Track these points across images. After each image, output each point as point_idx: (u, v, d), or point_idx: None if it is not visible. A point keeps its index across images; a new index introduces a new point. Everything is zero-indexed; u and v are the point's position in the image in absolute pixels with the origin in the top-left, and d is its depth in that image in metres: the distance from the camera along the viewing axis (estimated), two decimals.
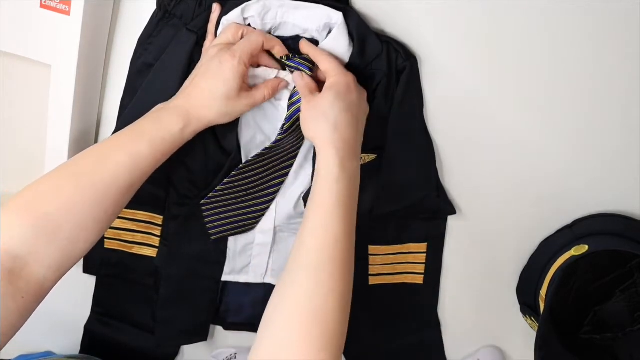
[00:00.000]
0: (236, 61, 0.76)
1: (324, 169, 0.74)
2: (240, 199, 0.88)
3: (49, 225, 0.68)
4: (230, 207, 0.89)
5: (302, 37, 0.83)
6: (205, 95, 0.77)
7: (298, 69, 0.81)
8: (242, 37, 0.81)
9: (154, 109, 0.78)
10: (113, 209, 0.73)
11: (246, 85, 0.80)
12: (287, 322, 0.67)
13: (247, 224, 0.90)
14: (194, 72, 0.80)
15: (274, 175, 0.88)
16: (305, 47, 0.82)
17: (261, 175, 0.87)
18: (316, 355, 0.65)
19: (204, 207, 0.88)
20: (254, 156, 0.85)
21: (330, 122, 0.75)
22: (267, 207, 0.90)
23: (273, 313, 0.69)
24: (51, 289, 0.70)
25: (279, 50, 0.81)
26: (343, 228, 0.72)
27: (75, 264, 0.72)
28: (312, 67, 0.81)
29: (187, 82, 0.80)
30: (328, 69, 0.79)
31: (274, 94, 0.81)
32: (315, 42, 0.83)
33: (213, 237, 0.90)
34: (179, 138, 0.77)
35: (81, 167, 0.73)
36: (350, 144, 0.76)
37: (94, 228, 0.72)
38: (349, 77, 0.78)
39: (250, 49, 0.78)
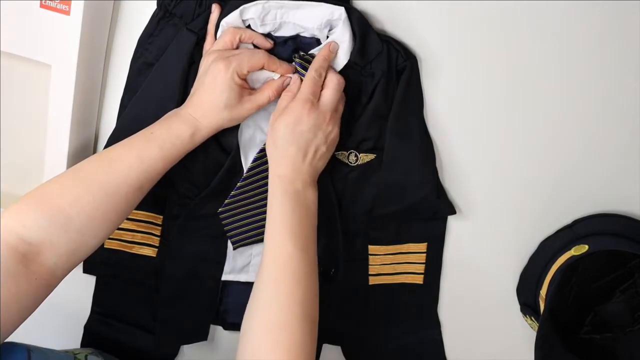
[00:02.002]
0: (229, 74, 0.79)
1: (270, 189, 0.82)
2: (255, 204, 0.89)
3: (61, 217, 0.72)
4: (247, 214, 0.89)
5: (302, 36, 0.84)
6: (208, 106, 0.80)
7: (296, 70, 0.81)
8: (239, 42, 0.82)
9: (165, 116, 0.81)
10: (123, 208, 0.77)
11: (247, 90, 0.82)
12: (255, 331, 0.74)
13: None
14: (197, 80, 0.82)
15: None
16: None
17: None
18: (286, 356, 0.71)
19: (222, 216, 0.89)
20: (254, 161, 0.86)
21: (279, 149, 0.81)
22: None
23: (245, 323, 0.76)
24: (62, 277, 0.74)
25: (282, 71, 0.82)
26: (294, 245, 0.77)
27: (85, 257, 0.76)
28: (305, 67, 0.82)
29: (192, 90, 0.82)
30: (302, 85, 0.81)
31: (278, 94, 0.82)
32: (316, 40, 0.84)
33: (235, 246, 0.91)
34: (189, 143, 0.80)
35: (91, 169, 0.76)
36: (295, 170, 0.80)
37: (104, 224, 0.75)
38: (304, 106, 0.79)
39: (249, 65, 0.80)
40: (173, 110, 0.82)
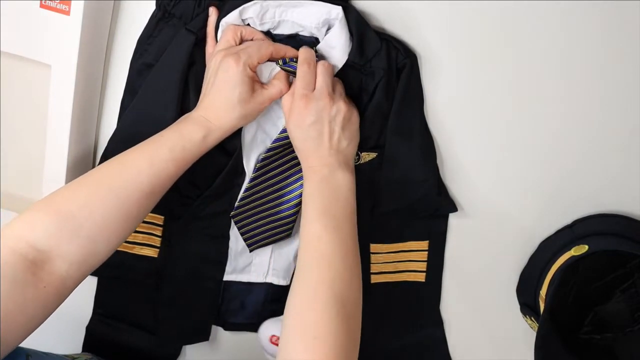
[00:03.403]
0: (240, 67, 0.78)
1: (304, 181, 0.82)
2: (267, 204, 0.89)
3: (71, 223, 0.70)
4: (260, 215, 0.89)
5: (301, 36, 0.84)
6: (220, 105, 0.79)
7: (294, 73, 0.82)
8: (241, 37, 0.82)
9: (177, 120, 0.81)
10: (135, 213, 0.76)
11: (259, 84, 0.82)
12: (289, 315, 0.73)
13: (283, 230, 0.91)
14: (205, 82, 0.82)
15: (293, 178, 0.89)
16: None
17: (279, 178, 0.88)
18: (310, 342, 0.70)
19: (234, 220, 0.89)
20: (261, 161, 0.87)
21: (297, 146, 0.82)
22: (299, 209, 0.89)
23: (285, 308, 0.75)
24: (74, 287, 0.73)
25: (292, 55, 0.82)
26: (322, 225, 0.77)
27: (98, 264, 0.74)
28: None
29: (202, 94, 0.82)
30: (295, 83, 0.81)
31: (289, 85, 0.82)
32: (314, 39, 0.84)
33: (251, 248, 0.91)
34: (201, 146, 0.79)
35: (103, 174, 0.76)
36: (317, 157, 0.81)
37: (116, 230, 0.74)
38: (301, 102, 0.80)
39: (258, 57, 0.80)
40: (185, 115, 0.82)
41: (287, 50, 0.82)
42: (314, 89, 0.81)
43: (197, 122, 0.79)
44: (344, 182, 0.81)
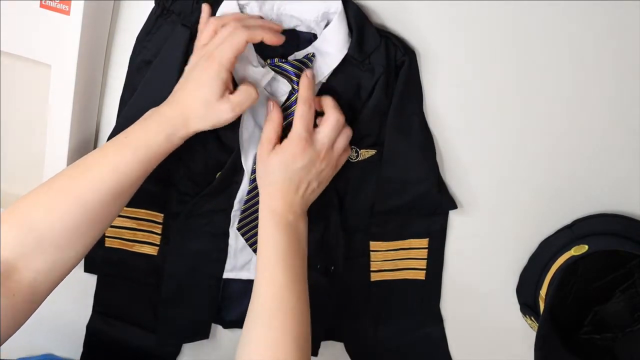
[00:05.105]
0: (215, 68, 0.76)
1: (261, 222, 0.82)
2: None
3: (34, 233, 0.70)
4: None
5: (298, 31, 0.84)
6: (188, 104, 0.77)
7: (285, 74, 0.81)
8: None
9: (144, 115, 0.79)
10: (102, 217, 0.75)
11: (229, 91, 0.78)
12: None
13: None
14: (182, 76, 0.80)
15: None
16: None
17: None
18: None
19: (240, 232, 0.90)
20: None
21: (272, 184, 0.81)
22: None
23: (240, 357, 0.75)
24: (47, 292, 0.72)
25: (268, 39, 0.78)
26: (287, 277, 0.78)
27: (68, 271, 0.74)
28: (300, 73, 0.81)
29: (176, 86, 0.80)
30: (295, 123, 0.80)
31: (256, 94, 0.79)
32: (313, 34, 0.84)
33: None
34: (166, 145, 0.77)
35: (64, 181, 0.74)
36: (287, 202, 0.81)
37: (83, 236, 0.73)
38: (299, 145, 0.79)
39: (232, 54, 0.76)
40: (154, 109, 0.79)
41: (264, 34, 0.77)
42: (312, 129, 0.80)
43: (162, 120, 0.77)
44: (303, 231, 0.83)
